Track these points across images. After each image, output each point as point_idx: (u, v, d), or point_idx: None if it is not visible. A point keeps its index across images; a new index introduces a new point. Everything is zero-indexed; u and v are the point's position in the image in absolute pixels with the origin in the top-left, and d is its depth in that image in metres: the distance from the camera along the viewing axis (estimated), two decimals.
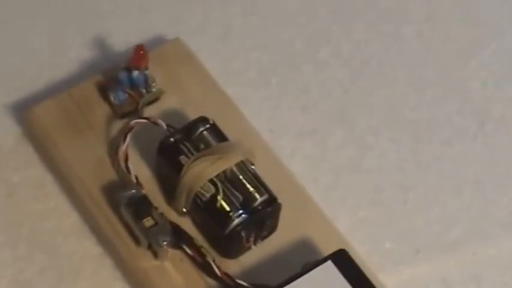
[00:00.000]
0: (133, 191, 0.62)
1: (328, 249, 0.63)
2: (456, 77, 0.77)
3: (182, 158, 0.62)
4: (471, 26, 0.80)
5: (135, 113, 0.68)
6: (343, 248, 0.61)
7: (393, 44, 0.78)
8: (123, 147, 0.64)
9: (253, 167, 0.64)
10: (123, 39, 0.76)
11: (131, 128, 0.64)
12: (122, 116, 0.68)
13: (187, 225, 0.64)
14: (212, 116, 0.67)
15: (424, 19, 0.80)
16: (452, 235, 0.69)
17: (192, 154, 0.62)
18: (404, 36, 0.79)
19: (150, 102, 0.69)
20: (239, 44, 0.77)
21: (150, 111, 0.69)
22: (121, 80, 0.67)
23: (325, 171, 0.71)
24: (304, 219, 0.66)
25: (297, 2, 0.80)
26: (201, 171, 0.61)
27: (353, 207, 0.70)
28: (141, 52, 0.66)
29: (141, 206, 0.61)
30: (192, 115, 0.68)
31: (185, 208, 0.63)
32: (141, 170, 0.66)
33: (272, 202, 0.62)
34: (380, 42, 0.78)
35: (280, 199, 0.63)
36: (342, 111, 0.74)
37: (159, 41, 0.75)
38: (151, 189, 0.65)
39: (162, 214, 0.63)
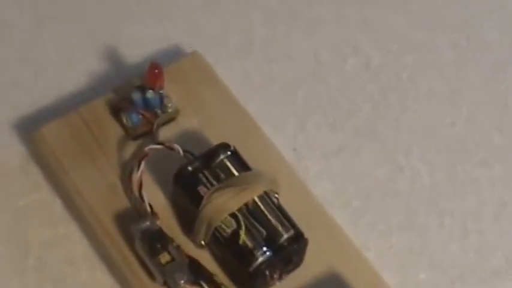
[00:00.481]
0: (148, 223, 0.58)
1: (358, 282, 0.60)
2: (494, 90, 0.73)
3: (201, 189, 0.58)
4: (510, 34, 0.76)
5: (150, 134, 0.64)
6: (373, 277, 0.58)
7: (426, 54, 0.74)
8: (136, 175, 0.60)
9: (276, 195, 0.59)
10: (136, 51, 0.72)
11: (145, 155, 0.60)
12: (135, 138, 0.64)
13: (206, 257, 0.60)
14: (231, 135, 0.63)
15: (459, 27, 0.76)
16: (492, 264, 0.65)
17: (212, 184, 0.58)
18: (438, 46, 0.75)
19: (165, 123, 0.65)
20: (260, 55, 0.73)
21: (165, 131, 0.65)
22: (134, 100, 0.63)
23: (353, 194, 0.67)
24: (331, 249, 0.62)
25: (321, 9, 0.76)
26: (222, 205, 0.57)
27: (384, 234, 0.66)
28: (156, 71, 0.61)
29: (156, 241, 0.57)
30: (210, 135, 0.65)
31: (204, 241, 0.59)
32: (156, 197, 0.62)
33: (298, 238, 0.58)
34: (412, 52, 0.74)
35: (305, 227, 0.59)
36: (372, 129, 0.70)
37: (175, 52, 0.71)
38: (167, 218, 0.61)
39: (178, 247, 0.58)
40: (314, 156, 0.68)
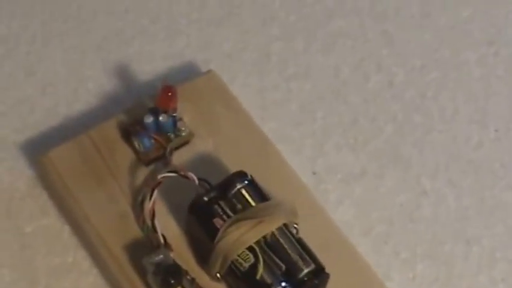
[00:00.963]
0: (161, 256, 0.55)
1: None
2: None
3: (216, 221, 0.55)
4: None
5: (162, 158, 0.61)
6: None
7: (452, 71, 0.72)
8: (149, 204, 0.57)
9: (296, 225, 0.57)
10: (149, 68, 0.69)
11: (159, 183, 0.57)
12: (148, 163, 0.61)
13: None
14: (248, 157, 0.61)
15: (487, 42, 0.73)
16: None
17: (228, 216, 0.56)
18: (464, 62, 0.72)
19: (178, 146, 0.62)
20: (278, 73, 0.70)
21: (179, 154, 0.63)
22: (146, 124, 0.60)
23: (375, 220, 0.65)
24: (352, 278, 0.60)
25: (342, 23, 0.73)
26: (238, 238, 0.54)
27: (408, 262, 0.63)
28: (170, 94, 0.59)
29: (170, 275, 0.55)
30: (226, 157, 0.63)
31: (219, 274, 0.56)
32: (169, 226, 0.59)
33: (319, 273, 0.55)
34: (437, 69, 0.72)
35: (325, 255, 0.57)
36: (395, 150, 0.68)
37: (189, 69, 0.69)
38: (181, 248, 0.59)
39: (193, 281, 0.56)
40: (334, 180, 0.66)
